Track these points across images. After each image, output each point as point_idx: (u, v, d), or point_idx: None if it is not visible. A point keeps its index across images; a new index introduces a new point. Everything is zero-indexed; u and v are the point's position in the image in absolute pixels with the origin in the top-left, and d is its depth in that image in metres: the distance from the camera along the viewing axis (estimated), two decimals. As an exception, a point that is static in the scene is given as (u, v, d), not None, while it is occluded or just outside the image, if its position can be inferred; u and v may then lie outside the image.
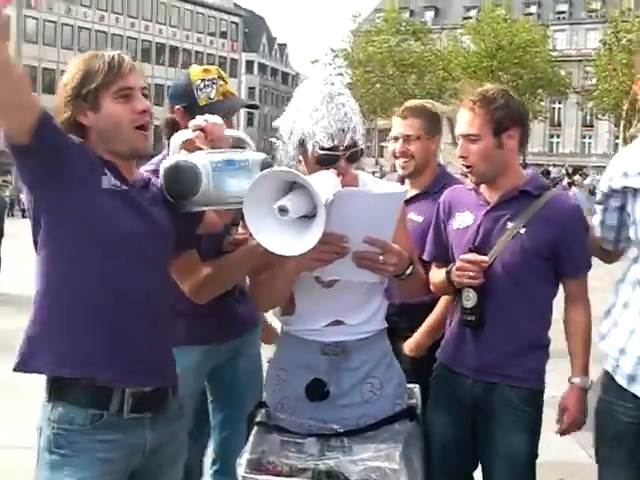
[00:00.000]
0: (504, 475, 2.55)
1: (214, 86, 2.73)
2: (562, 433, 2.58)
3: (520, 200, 2.56)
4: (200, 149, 2.23)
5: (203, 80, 2.73)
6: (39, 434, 2.02)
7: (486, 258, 2.52)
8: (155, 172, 2.29)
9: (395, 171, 3.32)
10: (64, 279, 2.01)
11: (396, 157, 3.16)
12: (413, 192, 3.15)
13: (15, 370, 2.02)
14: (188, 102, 2.71)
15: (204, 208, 2.21)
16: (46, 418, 2.01)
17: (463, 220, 2.65)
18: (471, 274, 2.51)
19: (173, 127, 2.65)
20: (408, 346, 2.97)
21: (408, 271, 2.20)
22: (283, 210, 1.88)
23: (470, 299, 2.55)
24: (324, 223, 1.88)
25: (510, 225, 2.54)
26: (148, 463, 2.10)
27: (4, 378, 2.02)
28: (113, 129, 2.06)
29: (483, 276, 2.51)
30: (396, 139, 3.16)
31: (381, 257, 2.11)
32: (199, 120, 2.27)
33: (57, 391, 2.00)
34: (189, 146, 2.26)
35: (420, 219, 3.04)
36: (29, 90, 1.93)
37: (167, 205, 2.19)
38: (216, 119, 2.29)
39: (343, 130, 2.15)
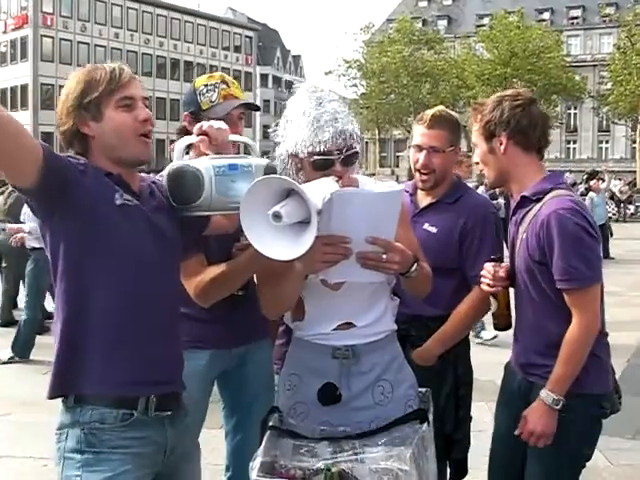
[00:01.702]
0: (535, 477, 2.61)
1: (216, 90, 2.80)
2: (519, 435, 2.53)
3: (524, 206, 2.61)
4: (204, 154, 2.24)
5: (206, 85, 2.82)
6: (64, 438, 2.05)
7: (501, 272, 2.63)
8: None
9: (411, 179, 3.29)
10: (84, 304, 2.04)
11: (417, 169, 3.06)
12: (427, 201, 3.10)
13: (50, 398, 2.07)
14: (194, 108, 2.81)
15: (207, 213, 2.22)
16: (73, 421, 2.04)
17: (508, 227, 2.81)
18: (488, 282, 2.64)
19: (184, 134, 2.69)
20: (417, 353, 2.94)
21: (413, 268, 2.21)
22: (277, 216, 1.90)
23: (492, 305, 2.72)
24: (316, 229, 1.90)
25: (520, 231, 2.60)
26: (167, 462, 2.16)
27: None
28: (116, 137, 2.08)
29: (506, 282, 2.64)
30: (419, 149, 3.03)
31: (384, 256, 2.12)
32: (203, 125, 2.30)
33: (85, 397, 2.05)
34: (194, 152, 2.28)
35: (434, 230, 3.01)
36: (24, 133, 1.90)
37: (173, 209, 2.22)
38: (220, 124, 2.31)
39: (336, 134, 2.18)
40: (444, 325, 2.96)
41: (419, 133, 3.04)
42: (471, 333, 7.23)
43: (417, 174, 3.07)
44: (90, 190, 2.01)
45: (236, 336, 2.83)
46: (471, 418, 3.13)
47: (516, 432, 2.54)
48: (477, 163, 2.75)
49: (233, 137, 2.38)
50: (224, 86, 2.82)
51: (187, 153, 2.34)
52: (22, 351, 7.17)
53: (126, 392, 2.05)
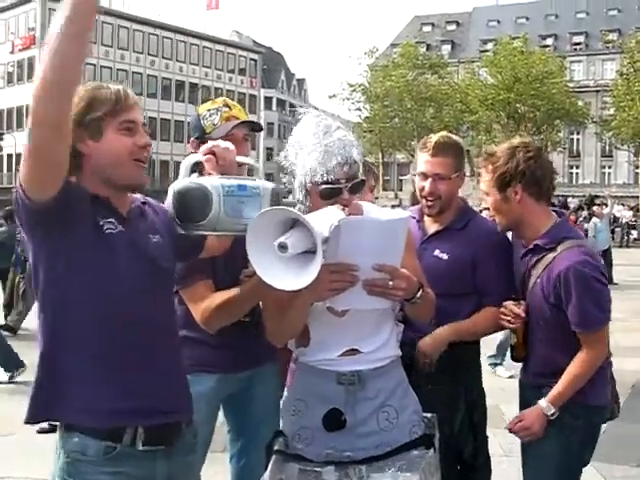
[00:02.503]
0: (531, 476, 2.83)
1: (218, 113, 2.85)
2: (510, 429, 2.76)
3: (536, 252, 2.78)
4: (210, 174, 2.24)
5: (209, 110, 2.87)
6: (57, 458, 2.04)
7: (521, 312, 2.78)
8: None
9: (415, 204, 3.28)
10: (64, 329, 2.01)
11: (422, 196, 3.05)
12: (435, 227, 3.09)
13: (27, 423, 2.04)
14: (199, 133, 2.85)
15: (210, 233, 2.20)
16: (61, 446, 2.03)
17: (515, 262, 2.96)
18: (509, 319, 2.82)
19: None
20: (424, 343, 2.89)
21: (418, 295, 2.22)
22: (282, 247, 1.92)
23: (512, 339, 2.90)
24: (321, 259, 1.91)
25: (533, 273, 2.76)
26: None
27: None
28: (111, 159, 2.05)
29: (526, 319, 2.79)
30: (425, 176, 3.02)
31: (391, 282, 2.13)
32: (210, 145, 2.31)
33: (70, 424, 2.02)
34: (199, 170, 2.29)
35: (445, 257, 2.99)
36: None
37: (168, 229, 2.20)
38: (227, 144, 2.33)
39: (343, 163, 2.19)
40: (465, 321, 2.96)
41: (423, 160, 3.03)
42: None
43: (423, 200, 3.06)
44: (83, 213, 1.99)
45: (243, 361, 2.83)
46: (487, 438, 3.12)
47: (508, 426, 2.76)
48: (486, 209, 2.92)
49: (238, 158, 2.39)
50: (226, 109, 2.87)
51: (194, 172, 2.35)
52: (9, 366, 7.23)
53: (109, 423, 2.00)
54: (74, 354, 2.01)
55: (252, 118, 3.08)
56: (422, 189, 3.03)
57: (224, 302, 2.49)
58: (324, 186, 2.20)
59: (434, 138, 3.05)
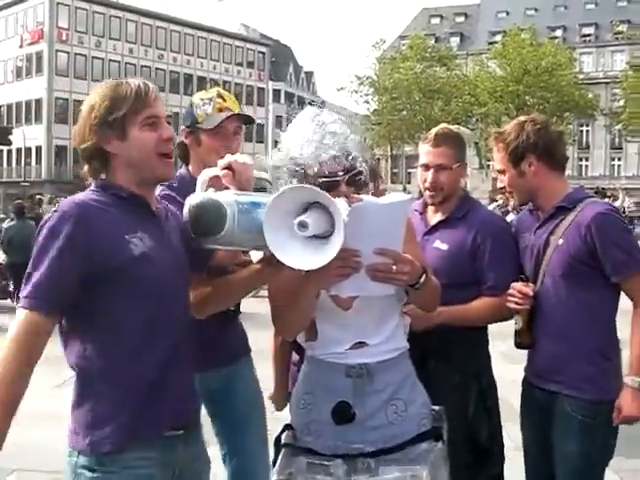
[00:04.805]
0: (559, 476, 2.77)
1: (211, 103, 2.85)
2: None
3: (557, 215, 2.78)
4: (226, 188, 2.23)
5: (202, 99, 2.87)
6: (75, 454, 2.04)
7: (529, 291, 2.77)
8: (170, 196, 2.35)
9: (422, 196, 3.30)
10: (102, 357, 2.03)
11: (425, 187, 3.09)
12: (437, 218, 3.12)
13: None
14: (190, 121, 2.87)
15: (226, 248, 2.20)
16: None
17: (523, 241, 2.95)
18: (517, 300, 2.79)
19: (181, 148, 2.84)
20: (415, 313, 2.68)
21: (422, 279, 2.22)
22: (303, 226, 1.93)
23: (517, 322, 2.85)
24: (342, 238, 1.93)
25: (552, 239, 2.76)
26: None
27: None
28: (140, 156, 2.08)
29: (532, 298, 2.77)
30: (427, 167, 3.07)
31: (394, 267, 2.13)
32: (229, 159, 2.29)
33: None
34: (215, 184, 2.26)
35: (445, 247, 3.01)
36: None
37: (183, 237, 2.21)
38: (245, 159, 2.32)
39: (338, 156, 2.19)
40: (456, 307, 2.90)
41: (424, 152, 3.08)
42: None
43: (426, 192, 3.10)
44: (107, 251, 1.99)
45: (220, 358, 2.84)
46: (501, 425, 3.09)
47: (616, 422, 2.67)
48: (502, 188, 2.95)
49: (256, 173, 2.37)
50: (220, 100, 2.87)
51: (210, 186, 2.33)
52: None
53: (140, 439, 2.04)
54: (104, 386, 2.02)
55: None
56: (424, 180, 3.08)
57: (213, 291, 2.42)
58: (321, 179, 2.20)
59: (434, 130, 3.12)
